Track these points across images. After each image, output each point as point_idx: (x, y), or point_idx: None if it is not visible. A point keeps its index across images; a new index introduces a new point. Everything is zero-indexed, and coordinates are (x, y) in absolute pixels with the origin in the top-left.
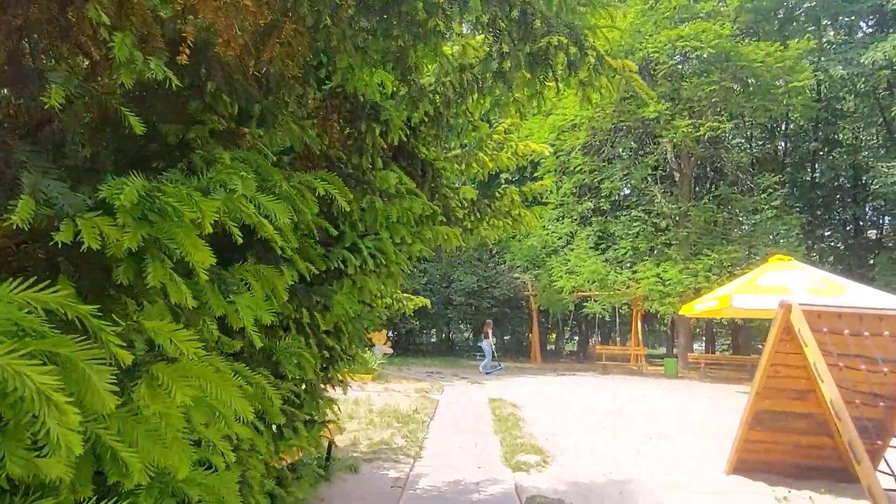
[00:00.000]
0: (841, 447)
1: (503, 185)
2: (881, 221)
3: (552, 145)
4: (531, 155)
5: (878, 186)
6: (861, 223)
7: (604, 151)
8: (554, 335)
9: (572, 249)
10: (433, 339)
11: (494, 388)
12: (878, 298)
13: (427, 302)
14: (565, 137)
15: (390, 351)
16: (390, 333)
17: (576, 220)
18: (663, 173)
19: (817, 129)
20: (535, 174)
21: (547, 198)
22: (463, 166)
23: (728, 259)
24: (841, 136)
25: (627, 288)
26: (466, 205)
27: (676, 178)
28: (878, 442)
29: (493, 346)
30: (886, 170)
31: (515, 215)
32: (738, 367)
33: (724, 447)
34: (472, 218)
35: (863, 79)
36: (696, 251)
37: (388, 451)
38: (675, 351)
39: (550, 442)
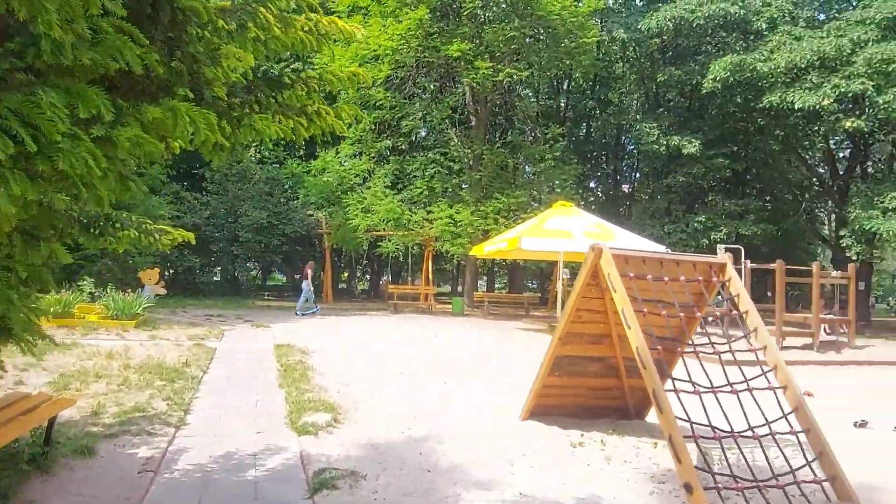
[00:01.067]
0: (625, 387)
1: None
2: (633, 176)
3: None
4: (336, 36)
5: (632, 146)
6: (619, 177)
7: (406, 88)
8: (346, 274)
9: (369, 188)
10: (216, 279)
11: (282, 331)
12: (640, 243)
13: (190, 236)
14: (367, 69)
15: (163, 291)
16: (166, 273)
17: (373, 157)
18: (461, 116)
19: (594, 89)
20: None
21: (345, 132)
22: (234, 26)
23: (515, 203)
24: (612, 96)
25: (421, 228)
26: (237, 86)
27: (473, 123)
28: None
29: (311, 288)
30: (648, 129)
31: (312, 112)
32: (516, 304)
33: (518, 390)
34: (246, 109)
35: (633, 45)
36: (487, 194)
37: (143, 419)
38: (461, 290)
39: (343, 394)
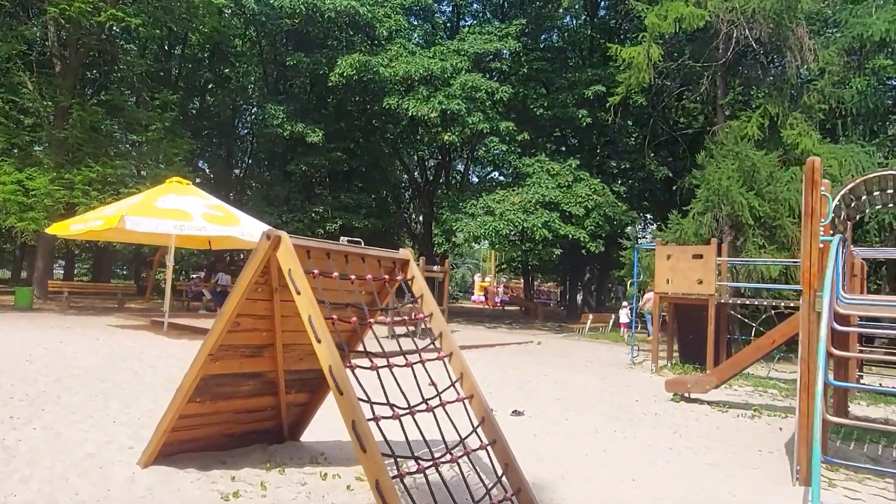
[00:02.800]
0: (282, 405)
1: None
2: (246, 160)
3: None
4: None
5: (247, 129)
6: (232, 159)
7: None
8: None
9: None
10: None
11: None
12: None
13: None
14: None
15: None
16: None
17: None
18: (41, 57)
19: (212, 60)
20: None
21: None
22: None
23: (113, 175)
24: (230, 73)
25: None
26: None
27: (58, 69)
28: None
29: None
30: (274, 111)
31: None
32: (106, 295)
33: (134, 423)
34: None
35: (261, 21)
36: (75, 160)
37: None
38: (27, 277)
39: None
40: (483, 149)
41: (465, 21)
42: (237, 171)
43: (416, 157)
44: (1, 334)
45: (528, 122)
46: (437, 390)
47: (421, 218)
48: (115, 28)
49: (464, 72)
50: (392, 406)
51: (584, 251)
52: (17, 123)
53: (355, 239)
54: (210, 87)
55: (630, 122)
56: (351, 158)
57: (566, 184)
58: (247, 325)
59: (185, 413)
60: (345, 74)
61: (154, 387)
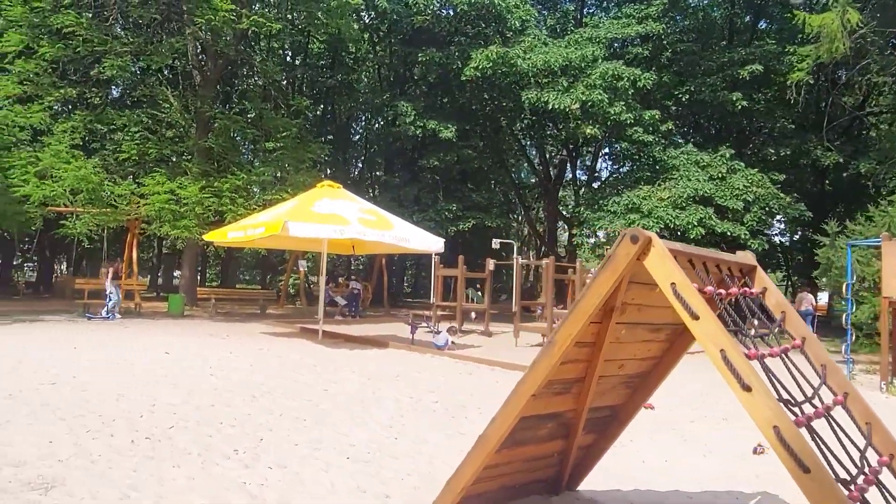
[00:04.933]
0: (572, 448)
1: None
2: (359, 164)
3: None
4: None
5: (358, 135)
6: (349, 163)
7: (109, 16)
8: None
9: (48, 145)
10: None
11: None
12: (421, 233)
13: None
14: None
15: None
16: None
17: (49, 108)
18: (184, 69)
19: (333, 67)
20: None
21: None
22: None
23: (257, 182)
24: (355, 77)
25: (128, 205)
26: None
27: (198, 81)
28: None
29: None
30: (405, 109)
31: None
32: (247, 301)
33: (361, 456)
34: None
35: (391, 18)
36: (220, 168)
37: None
38: (161, 282)
39: None
40: (624, 141)
41: (590, 9)
42: (354, 174)
43: (539, 154)
44: (170, 343)
45: (671, 110)
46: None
47: (544, 216)
48: (254, 31)
49: (601, 60)
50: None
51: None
52: (160, 137)
53: (507, 241)
54: (330, 92)
55: (798, 102)
56: (481, 156)
57: (719, 175)
58: (573, 356)
59: (490, 464)
60: (480, 68)
61: (352, 409)
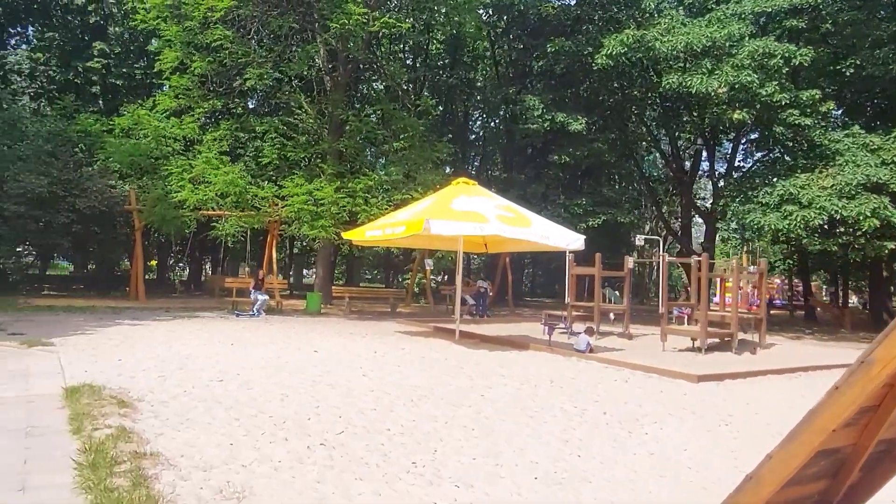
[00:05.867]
0: (842, 491)
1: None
2: (475, 161)
3: (176, 8)
4: None
5: (475, 134)
6: (466, 161)
7: (251, 28)
8: (155, 262)
9: (199, 153)
10: None
11: (75, 354)
12: (560, 230)
13: None
14: None
15: None
16: None
17: (199, 119)
18: (317, 76)
19: (453, 67)
20: (153, 47)
21: (167, 79)
22: None
23: (389, 181)
24: (476, 75)
25: (269, 207)
26: None
27: (328, 86)
28: None
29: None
30: (532, 103)
31: None
32: (377, 300)
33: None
34: None
35: (489, 29)
36: (353, 169)
37: None
38: (292, 281)
39: None
40: (778, 125)
41: None
42: (472, 173)
43: (671, 144)
44: (317, 341)
45: (829, 89)
46: None
47: (678, 210)
48: (380, 34)
49: (747, 38)
50: None
51: None
52: (294, 142)
53: (653, 237)
54: (449, 91)
55: None
56: (612, 149)
57: (893, 160)
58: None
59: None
60: (613, 54)
61: (518, 418)
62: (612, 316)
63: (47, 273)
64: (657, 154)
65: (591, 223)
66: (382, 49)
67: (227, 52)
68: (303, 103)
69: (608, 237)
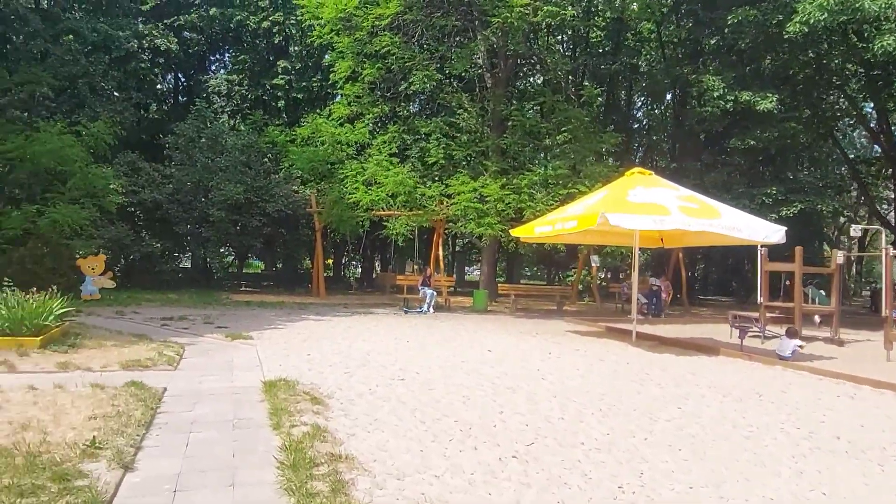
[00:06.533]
0: None
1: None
2: (640, 151)
3: (347, 20)
4: None
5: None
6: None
7: (417, 32)
8: (331, 260)
9: (370, 156)
10: (185, 266)
11: (270, 347)
12: (754, 222)
13: None
14: (370, 9)
15: (111, 284)
16: (120, 261)
17: (369, 125)
18: (478, 73)
19: (617, 50)
20: (327, 60)
21: (340, 89)
22: None
23: (553, 176)
24: (640, 60)
25: (437, 205)
26: None
27: (489, 83)
28: None
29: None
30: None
31: None
32: (543, 297)
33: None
34: None
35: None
36: (516, 165)
37: None
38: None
39: None
40: None
41: None
42: (636, 163)
43: (880, 119)
44: (488, 340)
45: None
46: None
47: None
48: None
49: None
50: None
51: None
52: (459, 140)
53: (874, 227)
54: (612, 79)
55: None
56: (807, 128)
57: None
58: None
59: None
60: (811, 21)
61: (731, 438)
62: (817, 319)
63: (243, 271)
64: (857, 132)
65: (783, 213)
66: (540, 42)
67: (393, 57)
68: (464, 102)
69: (802, 228)
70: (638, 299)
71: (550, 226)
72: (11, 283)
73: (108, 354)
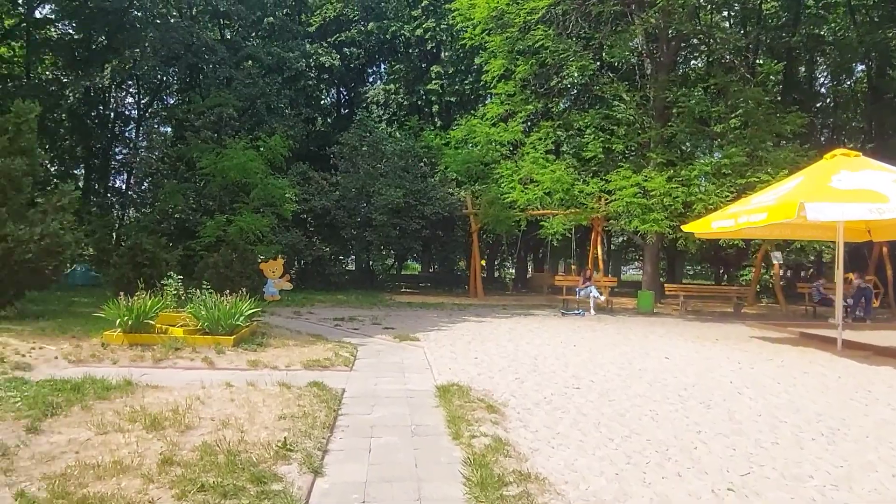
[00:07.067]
0: None
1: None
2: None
3: (499, 18)
4: None
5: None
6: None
7: (571, 23)
8: (484, 261)
9: (526, 154)
10: (352, 268)
11: (436, 350)
12: None
13: None
14: (522, 4)
15: (289, 286)
16: (294, 264)
17: (522, 122)
18: (638, 62)
19: (796, 24)
20: (479, 60)
21: (493, 88)
22: None
23: (728, 165)
24: (826, 32)
25: (596, 202)
26: None
27: (648, 70)
28: None
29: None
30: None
31: None
32: (717, 298)
33: None
34: None
35: None
36: (684, 155)
37: None
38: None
39: None
40: None
41: None
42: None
43: None
44: (662, 346)
45: None
46: None
47: None
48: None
49: None
50: None
51: None
52: (612, 134)
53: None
54: (791, 52)
55: None
56: None
57: None
58: None
59: None
60: None
61: None
62: None
63: (402, 273)
64: None
65: None
66: (702, 20)
67: (547, 51)
68: (621, 92)
69: None
70: (831, 300)
71: (732, 219)
72: (208, 286)
73: (290, 353)
